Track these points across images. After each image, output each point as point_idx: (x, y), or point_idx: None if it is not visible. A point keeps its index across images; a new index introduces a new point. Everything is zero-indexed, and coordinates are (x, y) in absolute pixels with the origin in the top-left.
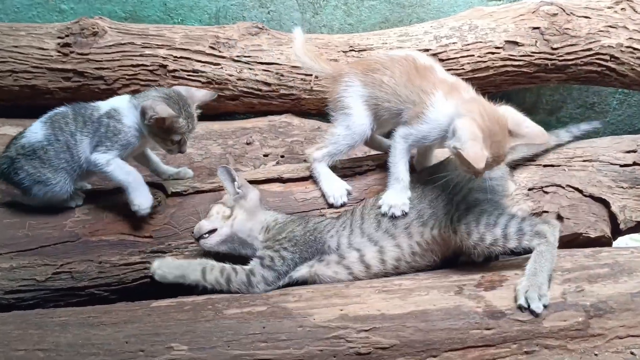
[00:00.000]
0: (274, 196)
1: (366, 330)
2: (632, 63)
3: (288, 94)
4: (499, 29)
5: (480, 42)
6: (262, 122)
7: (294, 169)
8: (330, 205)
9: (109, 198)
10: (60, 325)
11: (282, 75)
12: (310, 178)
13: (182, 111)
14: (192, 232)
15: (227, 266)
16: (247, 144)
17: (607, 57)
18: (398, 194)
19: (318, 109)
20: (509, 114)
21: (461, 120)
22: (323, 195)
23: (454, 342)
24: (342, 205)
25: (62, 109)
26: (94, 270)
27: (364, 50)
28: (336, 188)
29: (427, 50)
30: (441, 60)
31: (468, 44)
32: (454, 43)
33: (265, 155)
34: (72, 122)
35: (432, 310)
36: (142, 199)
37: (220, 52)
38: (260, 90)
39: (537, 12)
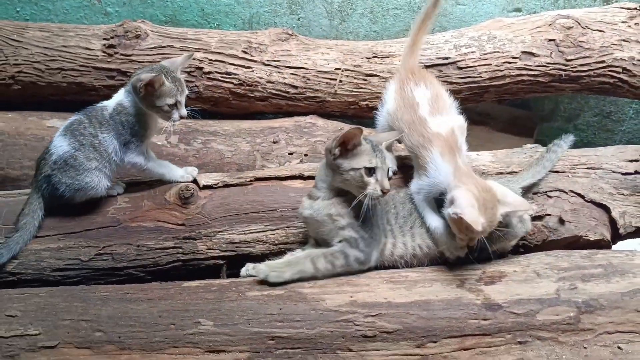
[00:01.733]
0: (295, 192)
1: (373, 316)
2: None
3: (313, 96)
4: (516, 40)
5: (498, 52)
6: (289, 122)
7: (315, 167)
8: None
9: (148, 188)
10: (101, 299)
11: (308, 79)
12: None
13: (167, 76)
14: None
15: (326, 251)
16: (274, 142)
17: (620, 70)
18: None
19: (341, 111)
20: (495, 186)
21: (459, 190)
22: None
23: (453, 330)
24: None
25: (74, 117)
26: (132, 252)
27: (387, 57)
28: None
29: (446, 58)
30: (460, 68)
31: (486, 54)
32: (472, 52)
33: (290, 154)
34: (89, 125)
35: (435, 300)
36: (179, 171)
37: (252, 56)
38: (287, 92)
39: (554, 25)
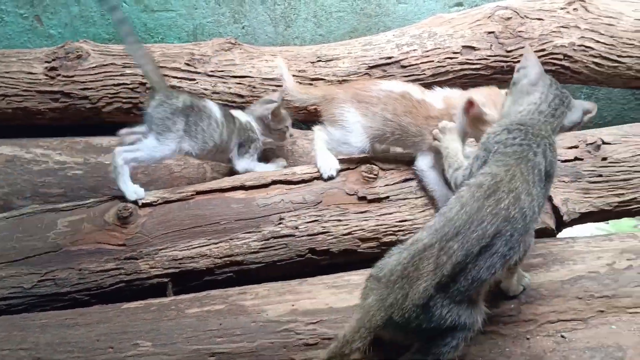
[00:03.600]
0: (237, 203)
1: (314, 323)
2: (585, 61)
3: None
4: (456, 35)
5: (439, 48)
6: None
7: (257, 177)
8: (320, 176)
9: (87, 211)
10: (40, 327)
11: (254, 88)
12: (273, 184)
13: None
14: None
15: None
16: None
17: (561, 56)
18: None
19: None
20: None
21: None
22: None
23: None
24: (330, 177)
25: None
26: (74, 277)
27: (331, 60)
28: (327, 162)
29: (389, 57)
30: (403, 67)
31: (427, 51)
32: (414, 50)
33: None
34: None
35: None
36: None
37: (195, 68)
38: (234, 102)
39: (492, 17)
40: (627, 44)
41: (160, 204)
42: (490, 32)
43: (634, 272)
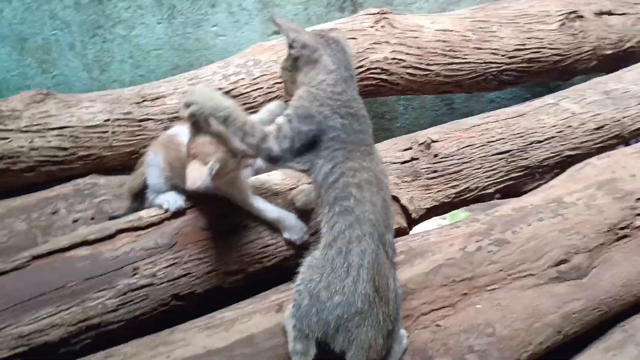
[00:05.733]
0: (83, 260)
1: None
2: (399, 72)
3: (88, 154)
4: (280, 61)
5: (266, 74)
6: (67, 187)
7: (100, 229)
8: (166, 211)
9: None
10: None
11: (77, 138)
12: (118, 234)
13: None
14: None
15: None
16: (53, 213)
17: (379, 70)
18: None
19: (123, 164)
20: None
21: None
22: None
23: (281, 358)
24: (178, 211)
25: None
26: None
27: (157, 98)
28: (169, 196)
29: (220, 88)
30: (234, 96)
31: (255, 78)
32: (242, 79)
33: (75, 221)
34: None
35: (257, 333)
36: None
37: (5, 125)
38: (57, 156)
39: None
40: (432, 53)
41: None
42: None
43: (484, 252)
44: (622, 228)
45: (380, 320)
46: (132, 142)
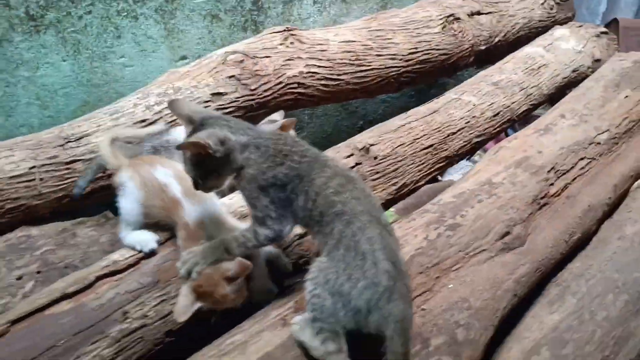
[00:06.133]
0: (67, 315)
1: None
2: (314, 84)
3: (16, 206)
4: (201, 85)
5: (191, 99)
6: None
7: (77, 279)
8: (140, 251)
9: None
10: None
11: (2, 190)
12: (97, 281)
13: None
14: None
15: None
16: None
17: (296, 85)
18: None
19: (54, 210)
20: None
21: None
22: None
23: None
24: (152, 251)
25: None
26: None
27: (82, 137)
28: (141, 236)
29: (144, 120)
30: None
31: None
32: (165, 107)
33: (19, 279)
34: None
35: (272, 350)
36: None
37: None
38: None
39: (226, 63)
40: (340, 64)
41: None
42: (231, 76)
43: (444, 238)
44: (541, 197)
45: (404, 292)
46: (62, 186)
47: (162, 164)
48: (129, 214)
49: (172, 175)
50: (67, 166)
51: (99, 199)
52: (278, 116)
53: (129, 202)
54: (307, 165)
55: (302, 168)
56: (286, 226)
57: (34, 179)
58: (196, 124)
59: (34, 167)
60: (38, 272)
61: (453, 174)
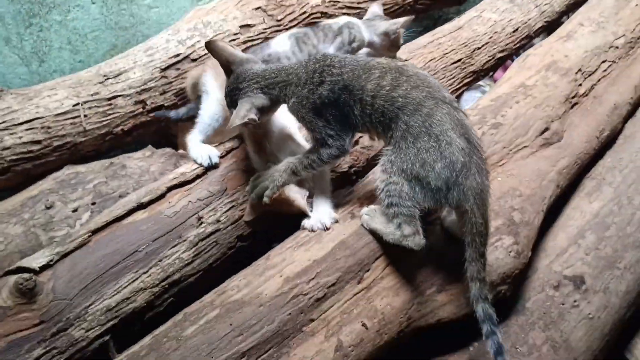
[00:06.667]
0: (145, 223)
1: (313, 278)
2: (337, 13)
3: (62, 144)
4: (229, 18)
5: (220, 33)
6: (47, 183)
7: (149, 190)
8: (200, 165)
9: None
10: None
11: (49, 128)
12: (168, 192)
13: None
14: None
15: None
16: (48, 208)
17: (319, 14)
18: None
19: (97, 148)
20: None
21: None
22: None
23: (375, 252)
24: (211, 165)
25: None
26: None
27: (120, 74)
28: (202, 150)
29: (178, 54)
30: (193, 60)
31: (210, 38)
32: (198, 41)
33: (75, 210)
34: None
35: (346, 238)
36: None
37: None
38: (31, 151)
39: None
40: None
41: (58, 260)
42: (257, 8)
43: (488, 136)
44: (572, 97)
45: (480, 164)
46: (105, 122)
47: None
48: (208, 116)
49: None
50: (109, 102)
51: (139, 137)
52: (377, 8)
53: (210, 103)
54: (350, 74)
55: (346, 79)
56: (347, 140)
57: (78, 116)
58: (233, 85)
59: (77, 104)
60: (93, 203)
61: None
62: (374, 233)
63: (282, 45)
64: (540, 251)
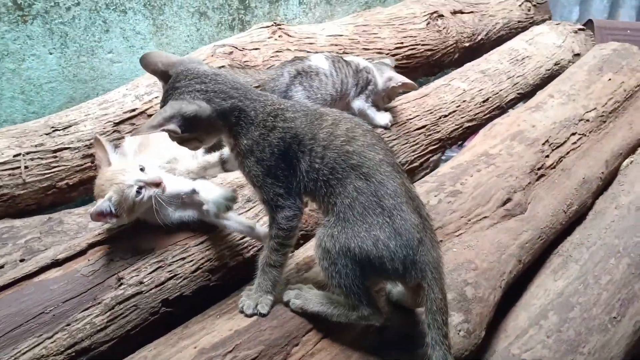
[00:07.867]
0: (56, 282)
1: (230, 351)
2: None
3: None
4: None
5: None
6: None
7: (69, 246)
8: None
9: None
10: None
11: None
12: (90, 248)
13: None
14: None
15: None
16: None
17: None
18: None
19: (38, 202)
20: None
21: None
22: None
23: (306, 325)
24: None
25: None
26: None
27: (69, 126)
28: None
29: (133, 110)
30: (149, 116)
31: None
32: (156, 97)
33: (1, 267)
34: (345, 66)
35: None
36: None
37: None
38: None
39: (216, 55)
40: None
41: None
42: (221, 67)
43: (444, 203)
44: (539, 168)
45: (432, 236)
46: (48, 175)
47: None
48: None
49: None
50: (54, 154)
51: (86, 192)
52: (389, 61)
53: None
54: (303, 119)
55: (298, 125)
56: (297, 199)
57: (18, 167)
58: (169, 85)
59: (18, 154)
60: (22, 260)
61: None
62: (315, 317)
63: (322, 62)
64: (501, 331)
